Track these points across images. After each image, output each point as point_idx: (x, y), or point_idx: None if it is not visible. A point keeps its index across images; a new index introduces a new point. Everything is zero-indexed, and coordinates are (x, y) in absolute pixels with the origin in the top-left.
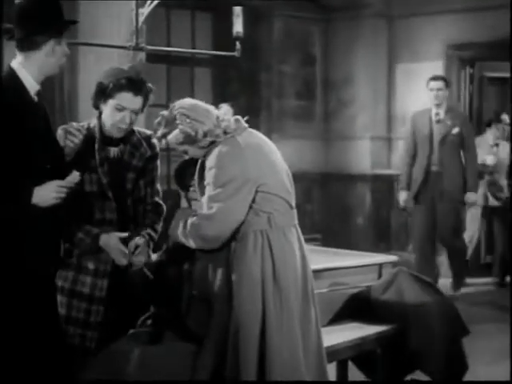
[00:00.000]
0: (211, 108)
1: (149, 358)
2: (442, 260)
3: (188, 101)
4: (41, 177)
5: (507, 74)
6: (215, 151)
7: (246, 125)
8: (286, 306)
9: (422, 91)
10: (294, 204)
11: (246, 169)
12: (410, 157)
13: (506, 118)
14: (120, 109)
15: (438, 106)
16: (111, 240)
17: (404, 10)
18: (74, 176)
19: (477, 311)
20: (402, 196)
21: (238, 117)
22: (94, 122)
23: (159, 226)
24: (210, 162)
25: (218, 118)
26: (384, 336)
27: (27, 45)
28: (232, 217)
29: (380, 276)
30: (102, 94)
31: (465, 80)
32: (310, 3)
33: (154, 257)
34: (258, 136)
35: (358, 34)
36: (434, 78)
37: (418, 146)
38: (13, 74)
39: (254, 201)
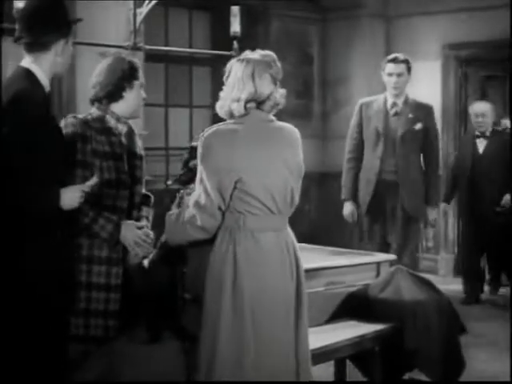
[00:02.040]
0: (265, 85)
1: (145, 356)
2: (442, 257)
3: (263, 58)
4: (53, 174)
5: (504, 73)
6: (213, 129)
7: (270, 117)
8: (240, 309)
9: (419, 90)
10: (278, 209)
11: (231, 159)
12: (356, 158)
13: (507, 122)
14: (143, 86)
15: (396, 95)
16: (130, 230)
17: (401, 10)
18: (94, 180)
19: (476, 310)
20: (347, 209)
21: (251, 106)
22: (96, 112)
23: (151, 217)
24: (204, 138)
25: (255, 92)
26: (382, 334)
27: (37, 46)
28: (218, 205)
29: (378, 275)
30: (129, 78)
31: (461, 79)
32: (307, 3)
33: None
34: (271, 132)
35: (355, 34)
36: (394, 60)
37: (366, 145)
38: (29, 74)
39: (231, 197)
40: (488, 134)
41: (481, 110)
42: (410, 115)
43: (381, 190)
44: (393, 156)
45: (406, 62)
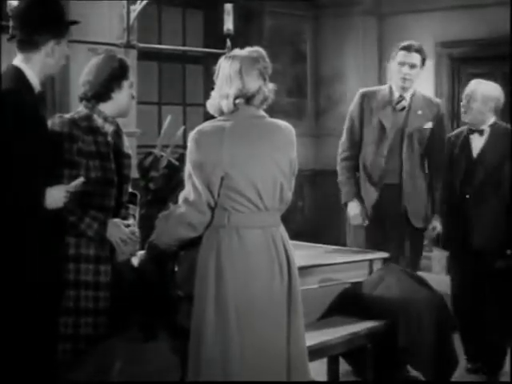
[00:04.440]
0: (252, 80)
1: (140, 355)
2: (435, 254)
3: (248, 57)
4: (38, 173)
5: (497, 71)
6: (200, 126)
7: (261, 113)
8: (223, 305)
9: None
10: (265, 206)
11: (217, 154)
12: (354, 156)
13: None
14: (132, 85)
15: (403, 89)
16: (116, 228)
17: (394, 8)
18: (79, 180)
19: None
20: (355, 209)
21: (240, 101)
22: (83, 111)
23: (137, 215)
24: (192, 135)
25: (243, 88)
26: (374, 332)
27: (27, 45)
28: (207, 201)
29: (371, 272)
30: (118, 78)
31: (454, 78)
32: (300, 0)
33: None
34: (260, 128)
35: (348, 32)
36: (408, 48)
37: (366, 141)
38: (19, 72)
39: (218, 194)
40: (487, 128)
41: (488, 92)
42: (419, 112)
43: (383, 194)
44: (398, 155)
45: (421, 51)
